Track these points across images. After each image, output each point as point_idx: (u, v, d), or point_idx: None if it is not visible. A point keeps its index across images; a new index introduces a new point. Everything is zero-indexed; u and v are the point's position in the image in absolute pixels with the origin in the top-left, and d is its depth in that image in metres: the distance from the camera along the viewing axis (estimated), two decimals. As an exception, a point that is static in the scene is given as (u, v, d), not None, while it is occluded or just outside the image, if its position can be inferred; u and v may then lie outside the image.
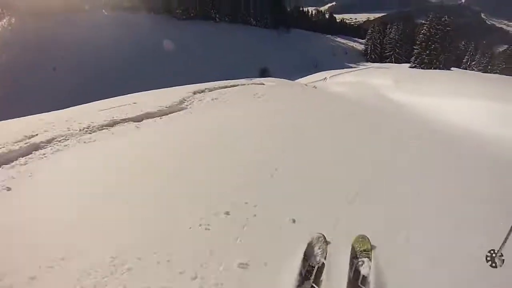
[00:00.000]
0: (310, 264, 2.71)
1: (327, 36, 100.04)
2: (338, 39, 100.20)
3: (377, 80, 19.68)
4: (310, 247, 2.84)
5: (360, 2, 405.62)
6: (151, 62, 49.29)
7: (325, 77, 31.75)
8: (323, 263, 2.71)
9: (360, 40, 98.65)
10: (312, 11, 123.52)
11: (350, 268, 2.63)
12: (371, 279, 2.51)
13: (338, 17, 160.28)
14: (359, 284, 2.52)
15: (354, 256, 2.74)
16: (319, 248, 2.81)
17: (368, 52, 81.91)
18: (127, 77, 43.71)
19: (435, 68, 46.00)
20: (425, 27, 50.04)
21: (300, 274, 2.56)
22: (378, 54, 78.76)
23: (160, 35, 56.30)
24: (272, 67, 54.68)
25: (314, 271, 2.65)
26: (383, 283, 2.53)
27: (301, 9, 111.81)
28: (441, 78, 19.06)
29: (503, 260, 2.27)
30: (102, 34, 52.06)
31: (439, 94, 12.84)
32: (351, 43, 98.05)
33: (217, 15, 72.78)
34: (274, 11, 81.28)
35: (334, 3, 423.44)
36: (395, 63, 69.59)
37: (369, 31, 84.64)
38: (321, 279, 2.61)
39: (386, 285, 2.52)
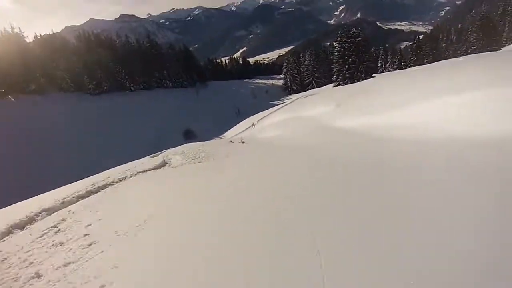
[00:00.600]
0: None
1: (245, 80, 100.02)
2: (256, 81, 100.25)
3: (313, 111, 17.69)
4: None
5: (267, 42, 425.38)
6: (63, 147, 43.29)
7: (253, 123, 30.12)
8: None
9: (278, 76, 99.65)
10: (225, 61, 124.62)
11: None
12: None
13: (252, 60, 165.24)
14: None
15: None
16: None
17: (289, 84, 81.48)
18: (35, 168, 37.51)
19: (358, 80, 45.38)
20: (337, 45, 49.66)
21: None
22: (298, 84, 78.47)
23: (72, 115, 51.21)
24: (197, 126, 51.49)
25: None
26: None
27: (214, 61, 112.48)
28: (377, 87, 17.80)
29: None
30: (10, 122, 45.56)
31: (390, 104, 11.71)
32: (270, 81, 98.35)
33: (132, 84, 68.80)
34: (188, 69, 78.86)
35: (244, 48, 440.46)
36: (317, 87, 69.56)
37: (284, 64, 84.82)
38: None
39: None
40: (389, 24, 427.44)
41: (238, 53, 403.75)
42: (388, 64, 66.43)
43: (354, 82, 45.86)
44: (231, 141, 18.36)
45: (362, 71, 47.02)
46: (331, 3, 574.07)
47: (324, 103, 18.69)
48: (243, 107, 61.70)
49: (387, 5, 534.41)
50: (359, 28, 50.25)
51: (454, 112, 8.39)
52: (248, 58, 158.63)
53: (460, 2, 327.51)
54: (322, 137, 12.13)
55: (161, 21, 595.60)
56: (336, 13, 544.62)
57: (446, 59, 58.80)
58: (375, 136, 9.70)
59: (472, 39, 57.93)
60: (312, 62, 72.91)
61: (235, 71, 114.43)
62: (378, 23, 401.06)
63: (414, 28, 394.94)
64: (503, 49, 52.74)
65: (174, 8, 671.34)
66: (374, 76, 45.28)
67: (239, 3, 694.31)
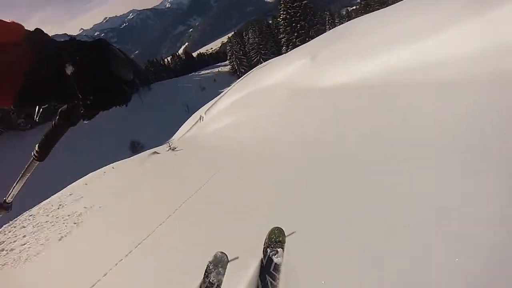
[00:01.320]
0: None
1: (191, 74, 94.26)
2: (203, 72, 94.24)
3: (279, 73, 14.24)
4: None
5: (208, 33, 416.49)
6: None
7: (200, 117, 26.69)
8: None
9: (225, 63, 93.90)
10: (168, 59, 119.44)
11: (264, 256, 2.50)
12: (283, 268, 2.37)
13: (195, 53, 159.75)
14: (271, 271, 2.39)
15: (268, 246, 2.60)
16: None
17: (236, 68, 75.52)
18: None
19: None
20: (282, 12, 44.13)
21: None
22: (246, 66, 72.37)
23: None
24: (145, 134, 46.33)
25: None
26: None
27: (155, 61, 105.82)
28: (352, 30, 13.81)
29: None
30: None
31: (375, 45, 9.10)
32: (216, 69, 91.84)
33: None
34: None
35: (186, 43, 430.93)
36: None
37: (228, 47, 78.61)
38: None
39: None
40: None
41: (181, 50, 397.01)
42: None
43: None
44: (156, 152, 16.06)
45: (314, 36, 41.86)
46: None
47: (292, 60, 14.80)
48: (192, 103, 56.25)
49: None
50: None
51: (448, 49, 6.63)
52: (194, 51, 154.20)
53: None
54: (304, 110, 8.51)
55: (96, 33, 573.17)
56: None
57: None
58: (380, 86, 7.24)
59: None
60: (256, 39, 67.21)
61: (179, 68, 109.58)
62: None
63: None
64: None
65: (106, 17, 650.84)
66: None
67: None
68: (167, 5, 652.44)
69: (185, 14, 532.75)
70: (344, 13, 74.11)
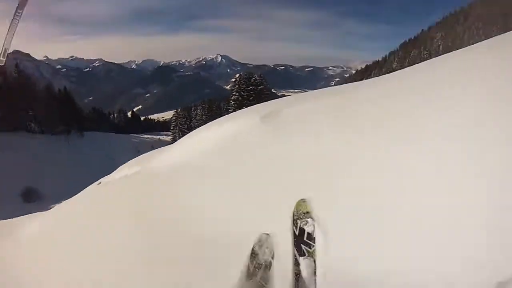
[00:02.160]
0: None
1: (132, 134, 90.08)
2: (144, 136, 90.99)
3: (193, 140, 8.77)
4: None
5: (163, 102, 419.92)
6: None
7: (99, 181, 21.45)
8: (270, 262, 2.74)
9: (169, 133, 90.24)
10: (114, 113, 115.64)
11: (295, 227, 2.69)
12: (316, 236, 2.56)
13: (150, 117, 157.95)
14: (305, 239, 2.61)
15: (297, 218, 2.76)
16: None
17: (177, 139, 72.21)
18: None
19: None
20: (234, 93, 43.00)
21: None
22: (188, 141, 70.40)
23: None
24: (54, 182, 40.10)
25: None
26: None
27: (100, 110, 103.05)
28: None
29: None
30: None
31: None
32: (158, 137, 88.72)
33: None
34: (64, 114, 66.34)
35: (140, 106, 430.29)
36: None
37: (173, 118, 76.67)
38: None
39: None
40: (283, 91, 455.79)
41: (134, 110, 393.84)
42: None
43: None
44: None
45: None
46: (228, 70, 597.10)
47: (227, 122, 8.63)
48: (124, 162, 52.02)
49: (281, 75, 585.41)
50: (261, 75, 44.51)
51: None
52: (143, 116, 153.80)
53: (348, 75, 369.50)
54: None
55: (58, 66, 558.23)
56: (232, 79, 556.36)
57: None
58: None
59: None
60: (204, 117, 65.98)
61: (123, 125, 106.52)
62: (273, 90, 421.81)
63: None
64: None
65: (73, 56, 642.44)
66: None
67: (140, 61, 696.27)
68: (132, 66, 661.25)
69: (147, 79, 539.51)
70: None
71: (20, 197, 35.12)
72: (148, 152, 10.06)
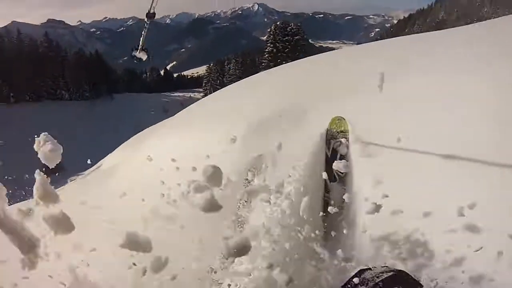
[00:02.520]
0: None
1: (163, 93, 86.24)
2: (175, 94, 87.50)
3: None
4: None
5: (198, 56, 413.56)
6: None
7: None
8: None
9: (201, 89, 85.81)
10: (147, 72, 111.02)
11: (328, 148, 2.60)
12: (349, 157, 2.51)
13: (184, 73, 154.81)
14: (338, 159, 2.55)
15: (330, 137, 2.68)
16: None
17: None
18: None
19: None
20: (269, 45, 36.96)
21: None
22: (220, 96, 65.40)
23: None
24: (73, 153, 36.53)
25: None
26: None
27: (132, 71, 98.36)
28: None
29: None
30: None
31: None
32: (189, 94, 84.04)
33: (12, 94, 52.04)
34: (95, 77, 63.52)
35: (174, 62, 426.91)
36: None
37: (205, 74, 71.69)
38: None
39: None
40: (321, 42, 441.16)
41: (168, 67, 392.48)
42: None
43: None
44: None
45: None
46: (265, 19, 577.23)
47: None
48: (148, 123, 47.75)
49: (319, 24, 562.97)
50: (298, 24, 38.09)
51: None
52: (178, 72, 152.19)
53: (389, 25, 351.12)
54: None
55: (92, 29, 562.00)
56: (269, 30, 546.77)
57: None
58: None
59: None
60: (237, 71, 60.36)
61: (155, 84, 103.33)
62: (310, 40, 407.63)
63: (344, 47, 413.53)
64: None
65: (107, 17, 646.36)
66: None
67: (175, 16, 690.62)
68: (167, 21, 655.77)
69: (182, 34, 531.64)
70: None
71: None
72: (150, 128, 9.69)
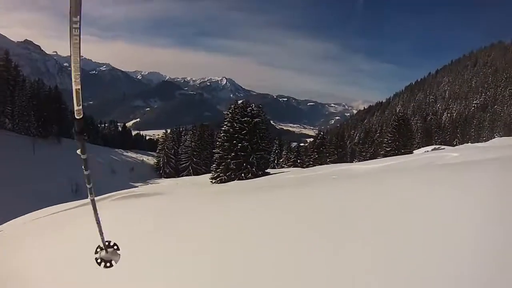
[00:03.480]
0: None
1: (116, 150, 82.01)
2: (128, 154, 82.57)
3: None
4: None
5: (162, 118, 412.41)
6: None
7: None
8: None
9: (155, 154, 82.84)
10: (104, 123, 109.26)
11: None
12: None
13: (143, 133, 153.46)
14: None
15: None
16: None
17: (161, 165, 65.65)
18: None
19: (245, 175, 33.24)
20: (225, 123, 35.92)
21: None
22: (173, 167, 63.83)
23: None
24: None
25: None
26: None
27: (90, 120, 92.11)
28: None
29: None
30: None
31: None
32: (142, 158, 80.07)
33: None
34: (46, 114, 59.47)
35: (138, 119, 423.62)
36: (194, 175, 55.92)
37: (160, 140, 69.70)
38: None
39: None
40: (282, 124, 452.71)
41: (131, 123, 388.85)
42: (281, 160, 60.49)
43: (240, 177, 33.13)
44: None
45: (254, 163, 33.87)
46: (231, 95, 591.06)
47: None
48: (96, 182, 43.40)
49: (282, 108, 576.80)
50: (260, 106, 37.56)
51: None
52: (140, 130, 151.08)
53: (348, 114, 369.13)
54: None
55: (65, 64, 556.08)
56: (229, 108, 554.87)
57: (352, 160, 60.90)
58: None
59: (387, 139, 50.55)
60: (193, 143, 59.30)
61: (111, 138, 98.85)
62: (272, 121, 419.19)
63: (304, 131, 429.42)
64: (416, 151, 47.69)
65: (83, 56, 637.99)
66: (269, 173, 33.73)
67: (147, 73, 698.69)
68: (138, 76, 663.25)
69: (149, 93, 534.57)
70: (295, 145, 69.35)
71: None
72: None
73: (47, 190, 39.71)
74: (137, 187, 43.42)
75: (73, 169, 48.20)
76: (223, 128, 36.08)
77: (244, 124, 34.25)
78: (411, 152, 46.86)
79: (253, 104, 37.05)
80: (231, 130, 34.73)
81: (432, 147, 55.21)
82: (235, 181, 31.38)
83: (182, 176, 56.59)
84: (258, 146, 34.58)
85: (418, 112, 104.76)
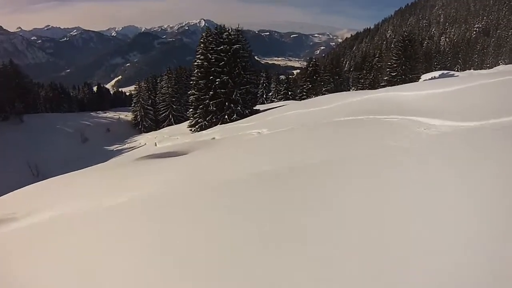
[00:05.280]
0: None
1: (91, 113, 74.02)
2: (107, 114, 75.14)
3: None
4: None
5: (143, 71, 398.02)
6: None
7: None
8: None
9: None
10: (78, 88, 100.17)
11: None
12: None
13: (126, 89, 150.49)
14: None
15: None
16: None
17: (138, 120, 58.88)
18: None
19: (230, 116, 27.01)
20: (199, 57, 28.83)
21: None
22: (152, 119, 57.39)
23: None
24: None
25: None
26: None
27: (57, 87, 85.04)
28: None
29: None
30: None
31: None
32: (119, 115, 72.67)
33: None
34: (4, 92, 51.76)
35: (120, 77, 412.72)
36: (175, 123, 49.23)
37: (134, 92, 62.06)
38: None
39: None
40: (267, 59, 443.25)
41: (113, 82, 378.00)
42: (271, 94, 56.71)
43: (223, 121, 26.68)
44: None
45: (238, 101, 27.05)
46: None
47: None
48: (52, 162, 36.50)
49: (265, 42, 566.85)
50: (238, 29, 29.61)
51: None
52: (122, 88, 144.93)
53: (333, 44, 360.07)
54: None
55: (32, 38, 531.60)
56: (200, 38, 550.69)
57: (348, 89, 58.56)
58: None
59: (390, 63, 44.00)
60: (170, 89, 52.04)
61: (87, 101, 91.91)
62: (256, 57, 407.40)
63: (290, 63, 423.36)
64: (422, 77, 44.14)
65: (49, 26, 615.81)
66: (258, 110, 26.69)
67: (121, 28, 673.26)
68: (112, 33, 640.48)
69: (127, 48, 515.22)
70: (283, 77, 63.11)
71: None
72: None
73: (4, 177, 33.13)
74: (111, 151, 40.12)
75: (34, 150, 42.70)
76: (195, 63, 29.01)
77: (221, 54, 27.14)
78: (418, 78, 42.69)
79: (230, 28, 29.49)
80: (205, 63, 27.77)
81: (440, 72, 49.76)
82: (219, 125, 24.66)
83: (163, 127, 49.80)
84: (241, 78, 27.56)
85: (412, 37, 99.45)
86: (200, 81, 27.91)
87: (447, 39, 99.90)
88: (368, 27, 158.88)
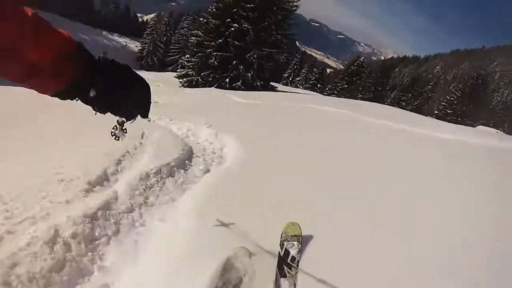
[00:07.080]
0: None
1: (105, 33, 69.69)
2: (114, 37, 69.90)
3: None
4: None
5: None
6: None
7: None
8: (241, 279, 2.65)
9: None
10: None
11: (281, 248, 2.69)
12: (299, 259, 2.62)
13: (148, 17, 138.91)
14: (288, 261, 2.61)
15: (284, 239, 2.76)
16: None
17: (146, 54, 51.70)
18: None
19: (233, 81, 19.41)
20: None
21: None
22: (159, 59, 50.24)
23: None
24: None
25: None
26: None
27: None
28: None
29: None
30: None
31: None
32: (126, 42, 65.73)
33: None
34: None
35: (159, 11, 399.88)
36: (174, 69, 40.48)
37: (151, 23, 55.03)
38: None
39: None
40: (307, 48, 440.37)
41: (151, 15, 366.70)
42: (298, 78, 54.14)
43: (221, 84, 18.76)
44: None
45: (252, 65, 18.93)
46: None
47: None
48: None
49: (312, 33, 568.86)
50: None
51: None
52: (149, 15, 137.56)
53: (375, 59, 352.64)
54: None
55: None
56: None
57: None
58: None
59: (448, 98, 40.98)
60: (190, 32, 44.30)
61: (109, 20, 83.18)
62: (297, 42, 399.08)
63: (327, 61, 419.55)
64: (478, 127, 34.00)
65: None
66: (275, 88, 20.11)
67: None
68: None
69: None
70: (321, 67, 59.13)
71: None
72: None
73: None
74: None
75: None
76: (212, 8, 21.17)
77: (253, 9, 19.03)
78: (473, 127, 36.05)
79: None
80: (221, 7, 19.90)
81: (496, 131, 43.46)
82: (211, 87, 16.85)
83: (167, 71, 42.19)
84: (269, 36, 19.40)
85: (459, 78, 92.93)
86: (212, 20, 19.96)
87: (498, 97, 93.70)
88: (418, 55, 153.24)
